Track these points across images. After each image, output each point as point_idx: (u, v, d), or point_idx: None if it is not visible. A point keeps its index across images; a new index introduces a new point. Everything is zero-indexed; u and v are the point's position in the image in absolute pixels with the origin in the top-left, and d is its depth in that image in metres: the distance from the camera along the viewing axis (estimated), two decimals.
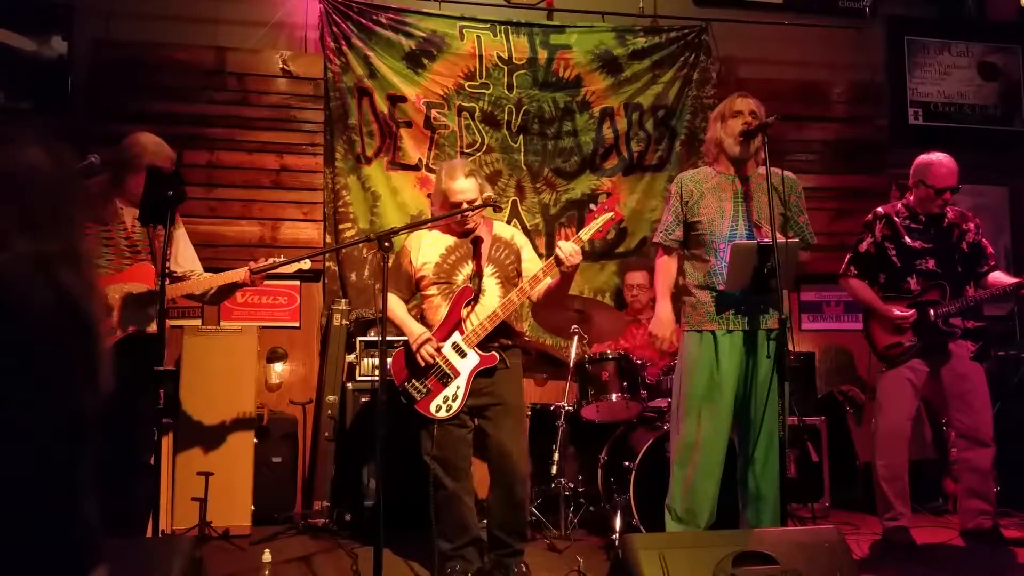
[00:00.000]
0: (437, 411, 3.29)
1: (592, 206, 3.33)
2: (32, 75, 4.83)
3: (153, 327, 3.34)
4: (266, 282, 4.86)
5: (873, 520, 4.14)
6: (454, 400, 3.28)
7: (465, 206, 3.33)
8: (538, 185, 5.34)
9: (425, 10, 5.26)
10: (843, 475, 4.88)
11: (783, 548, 2.51)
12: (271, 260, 3.45)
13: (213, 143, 4.97)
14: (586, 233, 3.22)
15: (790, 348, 3.07)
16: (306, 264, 3.57)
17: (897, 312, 3.94)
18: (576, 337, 4.22)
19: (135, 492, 3.28)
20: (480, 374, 3.30)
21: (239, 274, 3.42)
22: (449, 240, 3.45)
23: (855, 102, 5.82)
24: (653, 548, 2.49)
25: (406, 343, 3.35)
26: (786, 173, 3.36)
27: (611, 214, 3.23)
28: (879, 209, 4.13)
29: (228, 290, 3.52)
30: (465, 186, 3.34)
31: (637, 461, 3.87)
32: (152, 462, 3.43)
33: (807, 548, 2.54)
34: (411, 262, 3.45)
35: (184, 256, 3.55)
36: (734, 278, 3.18)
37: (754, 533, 2.71)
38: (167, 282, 3.30)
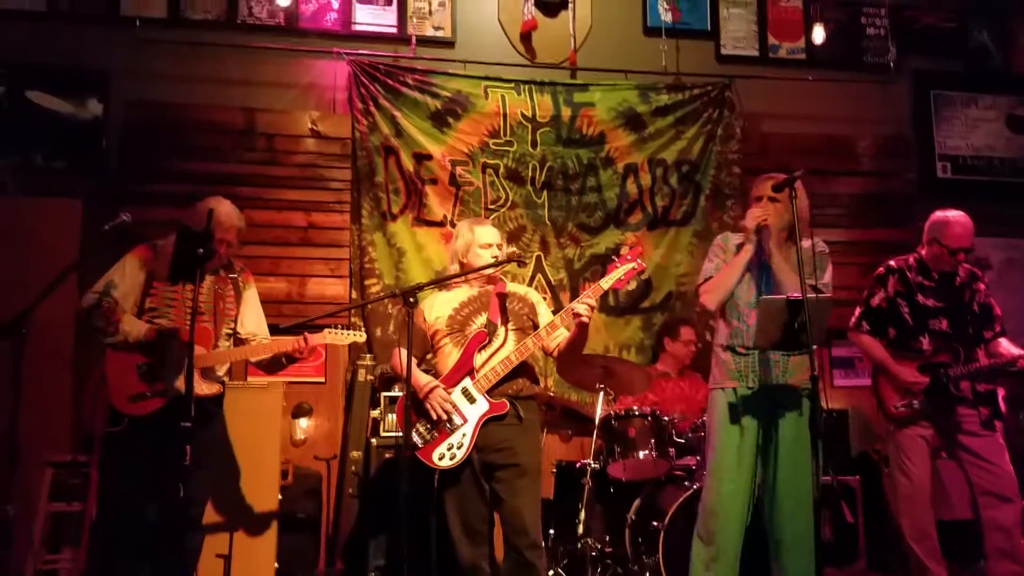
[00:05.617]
0: (440, 459, 3.14)
1: (614, 257, 3.29)
2: (68, 136, 4.97)
3: (208, 389, 3.35)
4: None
5: None
6: (459, 448, 3.15)
7: (494, 250, 3.34)
8: (562, 240, 5.35)
9: (451, 71, 5.35)
10: (879, 536, 4.73)
11: None
12: (326, 331, 3.44)
13: (243, 201, 4.96)
14: (607, 282, 3.18)
15: (823, 405, 3.00)
16: (361, 337, 3.56)
17: (911, 378, 3.86)
18: (602, 393, 4.17)
19: (188, 548, 3.33)
20: (492, 425, 3.18)
21: (289, 342, 3.39)
22: (463, 295, 3.41)
23: (882, 156, 5.79)
24: None
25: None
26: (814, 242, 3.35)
27: (633, 264, 3.19)
28: (891, 263, 4.06)
29: (280, 361, 3.48)
30: (493, 234, 3.39)
31: (666, 521, 3.78)
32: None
33: None
34: (424, 319, 3.40)
35: (249, 319, 3.55)
36: (764, 333, 3.13)
37: None
38: (230, 343, 3.40)
